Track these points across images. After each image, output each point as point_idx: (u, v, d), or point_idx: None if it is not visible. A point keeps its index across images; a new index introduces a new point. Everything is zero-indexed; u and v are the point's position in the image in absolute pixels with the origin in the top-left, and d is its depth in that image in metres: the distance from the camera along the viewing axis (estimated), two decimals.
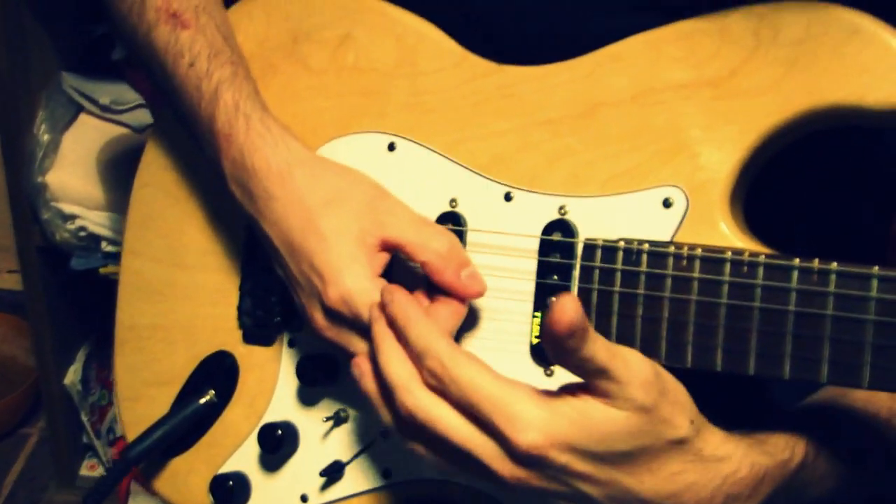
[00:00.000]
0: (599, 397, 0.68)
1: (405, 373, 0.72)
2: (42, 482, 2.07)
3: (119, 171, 1.67)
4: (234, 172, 0.86)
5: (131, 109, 1.71)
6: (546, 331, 0.65)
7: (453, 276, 0.81)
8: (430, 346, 0.71)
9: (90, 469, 2.05)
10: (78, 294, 1.90)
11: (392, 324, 0.74)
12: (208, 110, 0.87)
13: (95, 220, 1.67)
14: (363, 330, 0.79)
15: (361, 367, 0.76)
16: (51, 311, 1.84)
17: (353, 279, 0.79)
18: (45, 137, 1.66)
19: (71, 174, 1.67)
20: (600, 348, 0.66)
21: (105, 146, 1.69)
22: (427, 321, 0.73)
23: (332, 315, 0.80)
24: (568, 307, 0.63)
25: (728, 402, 0.90)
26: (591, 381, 0.68)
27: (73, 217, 1.67)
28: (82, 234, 1.68)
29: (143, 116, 1.70)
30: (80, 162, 1.67)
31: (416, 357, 0.72)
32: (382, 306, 0.76)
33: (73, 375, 1.93)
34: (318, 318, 0.82)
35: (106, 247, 1.70)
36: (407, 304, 0.74)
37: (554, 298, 0.64)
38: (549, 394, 0.70)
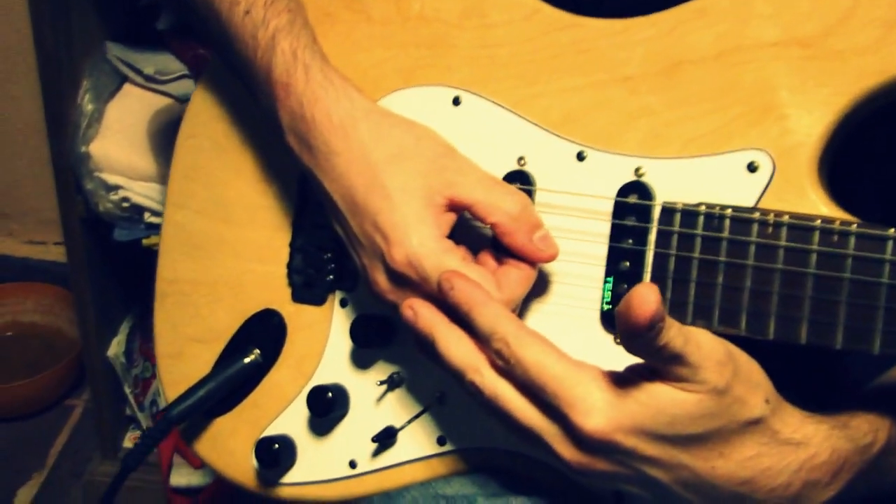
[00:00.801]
0: (672, 382, 0.65)
1: (471, 354, 0.70)
2: (86, 454, 2.03)
3: (163, 141, 1.63)
4: (293, 124, 0.82)
5: (176, 80, 1.67)
6: (624, 323, 0.62)
7: (525, 238, 0.77)
8: (496, 328, 0.69)
9: (133, 441, 2.02)
10: (121, 266, 1.86)
11: (454, 309, 0.72)
12: (265, 59, 0.83)
13: (139, 191, 1.64)
14: (428, 294, 0.75)
15: (415, 308, 0.74)
16: (94, 282, 1.81)
17: (419, 240, 0.75)
18: (89, 107, 1.62)
19: (114, 144, 1.63)
20: (675, 335, 0.63)
21: (149, 116, 1.65)
22: (492, 303, 0.70)
23: (396, 277, 0.76)
24: (649, 298, 0.60)
25: (803, 379, 0.87)
26: (665, 367, 0.65)
27: (116, 188, 1.64)
28: (125, 204, 1.65)
29: (188, 87, 1.66)
30: (123, 132, 1.64)
31: (483, 340, 0.70)
32: (441, 292, 0.72)
33: (116, 347, 1.90)
34: (381, 280, 0.78)
35: (149, 218, 1.66)
36: (470, 289, 0.71)
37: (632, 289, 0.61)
38: (616, 376, 0.67)
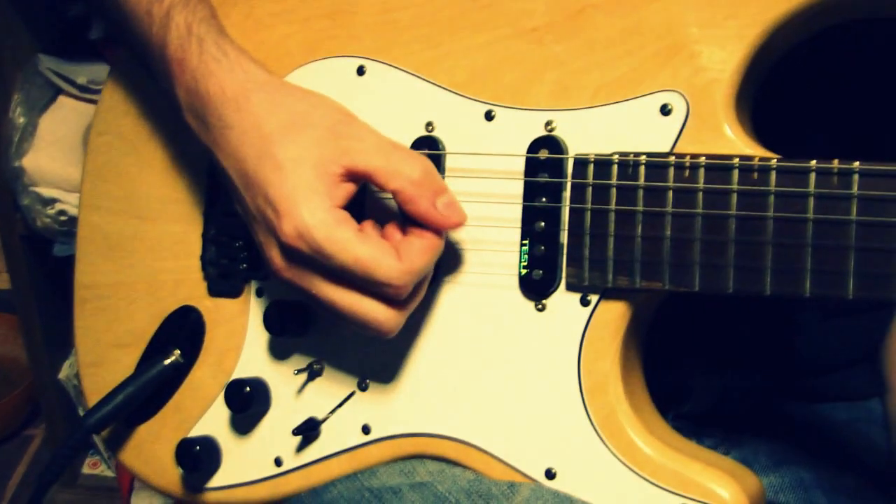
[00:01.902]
0: None
1: None
2: None
3: None
4: (189, 101, 0.78)
5: None
6: None
7: (427, 205, 0.72)
8: None
9: (92, 467, 1.97)
10: (66, 284, 1.80)
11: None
12: (160, 35, 0.79)
13: (75, 203, 1.57)
14: (324, 269, 0.71)
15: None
16: (39, 302, 1.77)
17: (309, 212, 0.70)
18: (21, 120, 1.59)
19: (49, 157, 1.59)
20: None
21: (84, 126, 1.61)
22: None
23: (289, 252, 0.71)
24: None
25: (755, 357, 0.83)
26: None
27: (52, 201, 1.60)
28: (63, 218, 1.61)
29: None
30: (58, 144, 1.60)
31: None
32: None
33: (68, 370, 1.84)
34: (276, 256, 0.73)
35: None
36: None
37: None
38: None
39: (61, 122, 1.61)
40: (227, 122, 0.75)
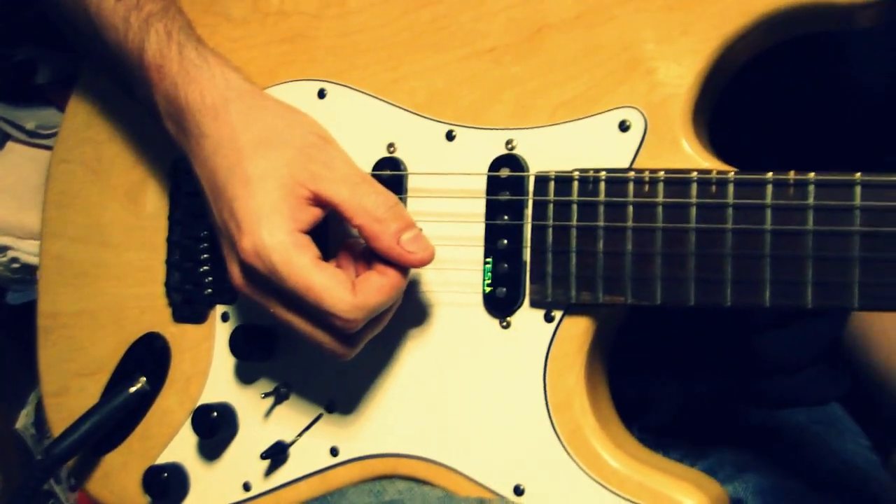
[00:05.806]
0: None
1: None
2: None
3: None
4: (168, 107, 0.77)
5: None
6: None
7: (390, 241, 0.70)
8: None
9: None
10: (21, 332, 1.77)
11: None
12: (136, 41, 0.78)
13: (28, 250, 1.54)
14: (278, 291, 0.70)
15: None
16: None
17: (269, 231, 0.69)
18: None
19: None
20: None
21: (35, 172, 1.58)
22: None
23: (247, 270, 0.71)
24: None
25: (714, 359, 0.84)
26: None
27: (4, 249, 1.55)
28: (15, 265, 1.57)
29: None
30: (8, 190, 1.56)
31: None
32: None
33: (24, 419, 1.80)
34: (235, 272, 0.73)
35: None
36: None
37: None
38: None
39: (11, 169, 1.57)
40: (203, 131, 0.74)
